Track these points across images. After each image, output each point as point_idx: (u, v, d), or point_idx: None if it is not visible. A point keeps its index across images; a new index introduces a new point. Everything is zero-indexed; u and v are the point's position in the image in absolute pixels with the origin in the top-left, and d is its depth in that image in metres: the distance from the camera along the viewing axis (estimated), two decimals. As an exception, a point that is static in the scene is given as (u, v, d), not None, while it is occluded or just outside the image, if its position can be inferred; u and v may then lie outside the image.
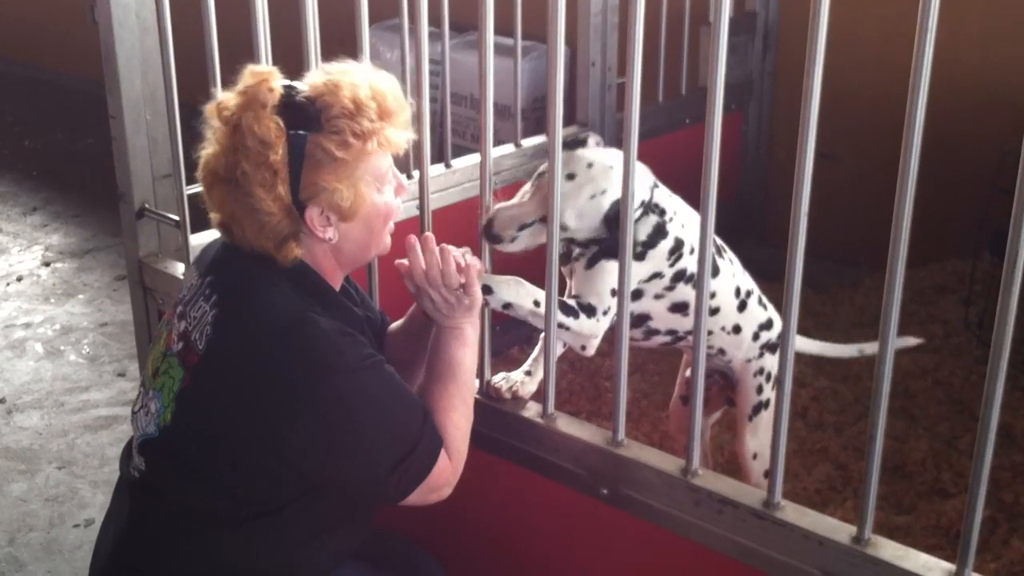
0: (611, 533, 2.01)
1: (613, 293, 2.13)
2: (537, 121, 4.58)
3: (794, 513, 1.79)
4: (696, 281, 1.84)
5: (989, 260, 3.62)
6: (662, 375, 3.50)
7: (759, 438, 2.51)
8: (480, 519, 2.18)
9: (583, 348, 2.19)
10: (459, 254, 1.92)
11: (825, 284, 4.00)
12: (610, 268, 2.12)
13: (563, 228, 2.09)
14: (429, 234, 1.95)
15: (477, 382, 2.06)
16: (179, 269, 2.67)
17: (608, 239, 2.13)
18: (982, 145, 3.59)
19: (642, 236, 2.17)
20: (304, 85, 1.78)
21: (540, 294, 2.05)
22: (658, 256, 2.19)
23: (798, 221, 1.66)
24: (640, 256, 2.17)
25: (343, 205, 1.75)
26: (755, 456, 2.53)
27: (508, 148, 3.60)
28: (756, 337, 2.44)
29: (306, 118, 1.72)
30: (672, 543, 1.91)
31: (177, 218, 2.66)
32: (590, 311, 2.14)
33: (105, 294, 4.65)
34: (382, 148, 1.77)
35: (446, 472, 1.83)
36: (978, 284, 3.71)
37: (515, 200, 2.16)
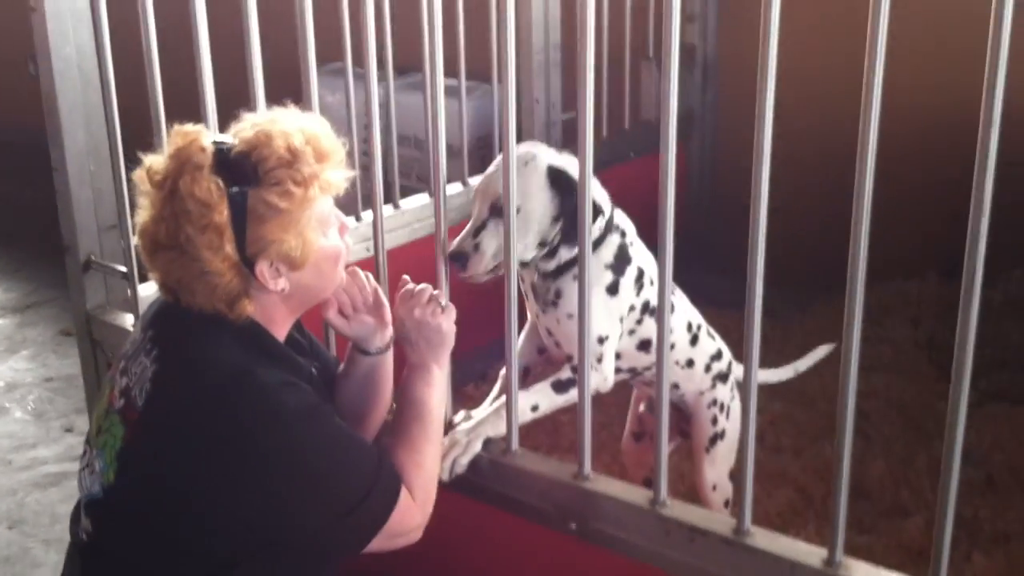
0: (582, 567, 2.00)
1: (600, 340, 2.12)
2: (482, 159, 4.59)
3: (764, 539, 1.79)
4: (656, 315, 1.84)
5: (936, 281, 3.68)
6: (619, 406, 3.47)
7: (717, 468, 2.53)
8: (447, 559, 2.15)
9: (597, 392, 2.20)
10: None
11: (774, 309, 4.03)
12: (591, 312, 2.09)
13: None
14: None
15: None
16: (128, 321, 2.64)
17: (566, 224, 2.11)
18: (927, 168, 3.66)
19: (608, 257, 2.17)
20: (233, 139, 1.74)
21: (530, 399, 2.11)
22: (627, 286, 2.20)
23: (755, 251, 1.67)
24: (613, 289, 2.17)
25: (292, 255, 1.72)
26: (714, 487, 2.53)
27: (457, 187, 3.61)
28: (708, 369, 2.46)
29: (244, 174, 1.69)
30: (644, 573, 1.90)
31: (124, 269, 2.63)
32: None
33: (49, 348, 4.56)
34: (323, 192, 1.75)
35: (409, 514, 1.80)
36: (924, 304, 3.77)
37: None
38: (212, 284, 1.70)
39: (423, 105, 3.40)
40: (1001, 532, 2.83)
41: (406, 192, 3.47)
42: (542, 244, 2.14)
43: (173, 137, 1.73)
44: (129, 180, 2.50)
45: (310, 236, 1.74)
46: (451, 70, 3.60)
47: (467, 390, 3.58)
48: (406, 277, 2.00)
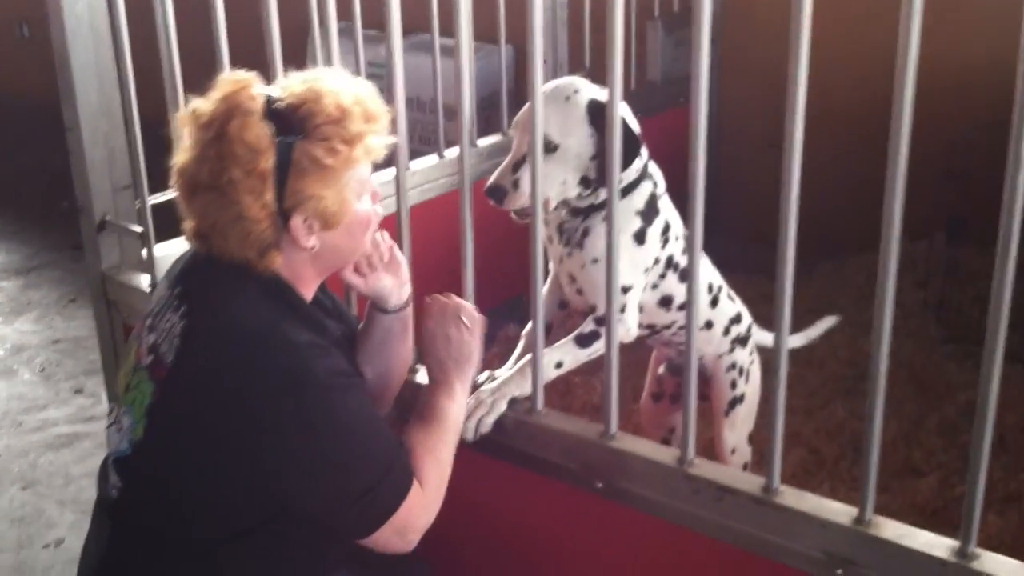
0: (608, 526, 2.01)
1: (624, 290, 2.11)
2: (487, 120, 4.56)
3: (793, 497, 1.80)
4: (689, 272, 1.83)
5: (943, 242, 3.68)
6: (629, 367, 3.48)
7: (736, 432, 2.53)
8: (472, 519, 2.16)
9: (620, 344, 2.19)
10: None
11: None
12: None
13: (551, 147, 2.05)
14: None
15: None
16: (143, 281, 2.62)
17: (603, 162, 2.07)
18: (933, 130, 3.65)
19: (640, 204, 2.15)
20: (281, 91, 1.74)
21: (554, 356, 2.09)
22: (653, 237, 2.18)
23: (787, 219, 1.67)
24: (640, 238, 2.15)
25: (328, 213, 1.73)
26: (733, 451, 2.54)
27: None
28: (727, 332, 2.45)
29: (291, 125, 1.69)
30: (671, 533, 1.91)
31: (140, 229, 2.62)
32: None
33: (55, 311, 4.55)
34: (366, 155, 1.75)
35: (416, 511, 1.78)
36: (932, 266, 3.77)
37: None
38: (247, 230, 1.70)
39: (425, 66, 3.39)
40: (1014, 492, 2.85)
41: (410, 154, 3.45)
42: (584, 182, 2.11)
43: (222, 82, 1.73)
44: (144, 140, 2.52)
45: (348, 197, 1.74)
46: (447, 31, 3.57)
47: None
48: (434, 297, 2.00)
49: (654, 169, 2.22)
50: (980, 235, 3.85)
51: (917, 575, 1.67)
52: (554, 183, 2.08)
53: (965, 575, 1.63)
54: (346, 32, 3.16)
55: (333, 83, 1.76)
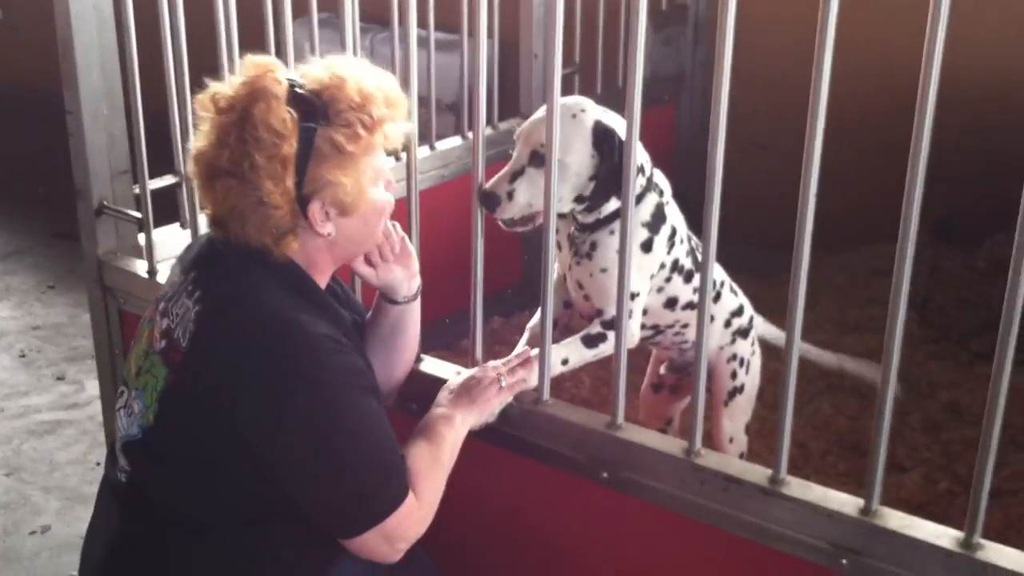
0: (614, 516, 2.03)
1: (631, 296, 2.12)
2: (470, 113, 4.57)
3: (800, 488, 1.83)
4: (700, 270, 1.85)
5: (927, 242, 3.74)
6: (628, 363, 3.52)
7: (735, 422, 2.57)
8: (477, 509, 2.17)
9: None
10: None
11: (766, 271, 4.08)
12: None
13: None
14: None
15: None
16: (139, 267, 2.62)
17: (605, 178, 2.10)
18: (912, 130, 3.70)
19: (646, 216, 2.17)
20: (303, 78, 1.75)
21: (561, 353, 2.11)
22: (660, 244, 2.21)
23: (804, 217, 1.69)
24: (647, 247, 2.18)
25: (346, 200, 1.73)
26: (731, 440, 2.57)
27: (456, 140, 3.61)
28: (728, 324, 2.49)
29: (314, 111, 1.70)
30: (677, 523, 1.93)
31: (139, 215, 2.61)
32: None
33: (34, 297, 4.51)
34: (385, 142, 1.77)
35: (407, 522, 1.76)
36: (916, 266, 3.82)
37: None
38: (266, 215, 1.70)
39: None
40: (995, 488, 2.88)
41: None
42: (578, 199, 2.14)
43: (246, 66, 1.73)
44: (146, 124, 2.51)
45: (365, 184, 1.75)
46: (431, 23, 3.58)
47: (463, 344, 3.58)
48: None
49: (660, 178, 2.25)
50: (964, 237, 3.92)
51: (923, 565, 1.70)
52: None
53: (970, 565, 1.67)
54: (329, 24, 3.17)
55: (355, 69, 1.77)
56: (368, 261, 1.96)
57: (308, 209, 1.72)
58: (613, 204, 2.14)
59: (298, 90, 1.71)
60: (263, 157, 1.67)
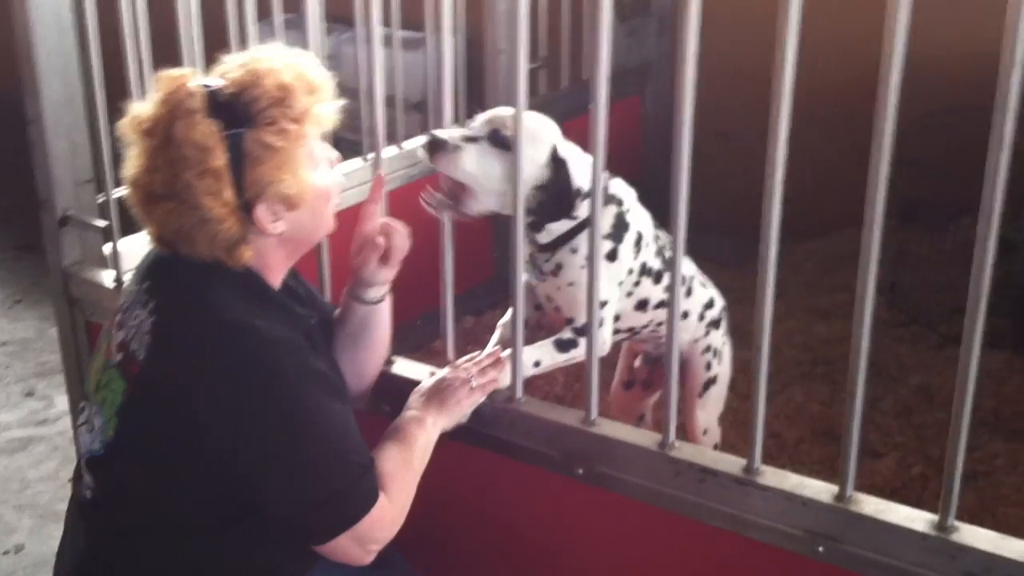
0: (590, 511, 2.03)
1: (600, 305, 2.12)
2: (437, 113, 4.55)
3: (775, 477, 1.84)
4: (672, 265, 1.85)
5: (893, 227, 3.76)
6: (600, 360, 3.53)
7: (708, 413, 2.58)
8: (453, 507, 2.17)
9: None
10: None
11: (734, 259, 4.09)
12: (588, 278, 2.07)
13: (506, 145, 2.01)
14: None
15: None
16: (105, 277, 2.59)
17: (551, 196, 2.09)
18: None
19: (606, 228, 2.16)
20: (221, 80, 1.71)
21: (533, 355, 2.10)
22: (625, 251, 2.20)
23: (771, 207, 1.70)
24: (612, 256, 2.17)
25: (289, 194, 1.70)
26: (705, 432, 2.59)
27: (424, 139, 3.58)
28: (701, 317, 2.50)
29: (236, 115, 1.66)
30: (653, 516, 1.94)
31: (104, 224, 2.58)
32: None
33: (0, 312, 4.46)
34: (316, 126, 1.73)
35: (379, 523, 1.75)
36: (881, 251, 3.85)
37: None
38: (212, 232, 1.67)
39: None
40: (968, 471, 2.90)
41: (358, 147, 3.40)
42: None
43: (160, 82, 1.69)
44: (111, 131, 2.48)
45: (304, 173, 1.71)
46: (395, 21, 3.57)
47: (435, 346, 3.57)
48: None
49: (618, 187, 2.23)
50: (930, 220, 3.94)
51: (898, 549, 1.72)
52: (494, 180, 2.05)
53: (945, 547, 1.68)
54: (293, 25, 3.14)
55: (271, 61, 1.72)
56: (386, 260, 1.96)
57: (254, 214, 1.69)
58: (563, 225, 2.14)
59: (218, 98, 1.67)
60: (194, 175, 1.64)
